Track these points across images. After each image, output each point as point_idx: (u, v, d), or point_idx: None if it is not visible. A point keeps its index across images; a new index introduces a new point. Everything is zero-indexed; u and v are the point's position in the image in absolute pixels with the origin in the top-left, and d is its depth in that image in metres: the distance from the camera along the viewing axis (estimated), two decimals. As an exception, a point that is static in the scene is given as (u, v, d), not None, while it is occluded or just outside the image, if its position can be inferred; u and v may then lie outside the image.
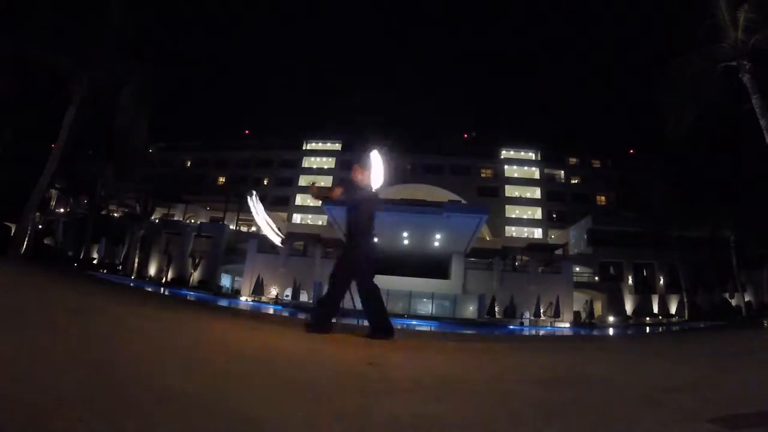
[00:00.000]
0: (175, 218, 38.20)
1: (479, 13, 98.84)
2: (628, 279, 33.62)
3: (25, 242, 17.02)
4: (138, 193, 33.42)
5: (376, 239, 4.37)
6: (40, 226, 31.98)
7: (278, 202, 49.55)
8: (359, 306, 4.31)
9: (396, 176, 47.97)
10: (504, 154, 51.03)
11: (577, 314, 28.94)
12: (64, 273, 10.89)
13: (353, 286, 4.30)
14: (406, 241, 27.60)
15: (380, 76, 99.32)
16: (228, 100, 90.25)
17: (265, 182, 51.45)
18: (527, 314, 27.21)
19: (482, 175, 49.38)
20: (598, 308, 31.67)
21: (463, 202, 34.14)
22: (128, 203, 33.94)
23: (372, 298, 4.14)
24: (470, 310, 27.99)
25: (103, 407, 1.06)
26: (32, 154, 20.56)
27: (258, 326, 4.51)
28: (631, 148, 50.94)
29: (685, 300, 29.13)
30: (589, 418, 1.43)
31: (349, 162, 50.22)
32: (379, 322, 4.10)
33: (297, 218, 49.33)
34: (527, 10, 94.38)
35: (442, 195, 40.30)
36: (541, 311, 26.46)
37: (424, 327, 14.28)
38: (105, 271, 27.39)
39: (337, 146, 52.50)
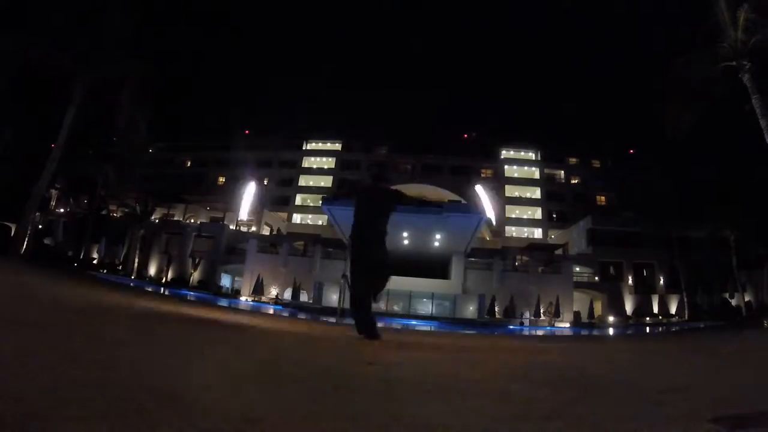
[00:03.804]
0: (175, 218, 38.16)
1: (479, 12, 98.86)
2: (628, 279, 33.62)
3: (25, 242, 17.02)
4: (138, 193, 33.40)
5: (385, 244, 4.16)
6: (40, 226, 31.98)
7: (278, 202, 49.55)
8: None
9: (396, 176, 48.11)
10: (504, 154, 51.04)
11: (577, 314, 28.93)
12: (64, 273, 10.90)
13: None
14: (406, 241, 27.59)
15: (380, 75, 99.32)
16: (228, 100, 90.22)
17: (265, 182, 51.44)
18: (527, 314, 27.22)
19: (482, 175, 49.40)
20: (598, 308, 31.67)
21: (463, 202, 34.13)
22: (128, 203, 33.92)
23: (364, 305, 4.00)
24: (470, 310, 27.99)
25: (103, 407, 1.06)
26: (32, 154, 20.56)
27: (258, 326, 4.51)
28: (631, 148, 50.99)
29: (685, 300, 29.13)
30: (589, 418, 1.43)
31: (348, 162, 50.28)
32: (363, 327, 4.01)
33: (297, 218, 49.33)
34: (527, 9, 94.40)
35: (442, 195, 40.30)
36: (541, 311, 26.46)
37: (424, 327, 14.28)
38: (105, 271, 27.39)
39: (337, 146, 52.50)
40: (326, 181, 50.41)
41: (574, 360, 3.63)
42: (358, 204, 4.26)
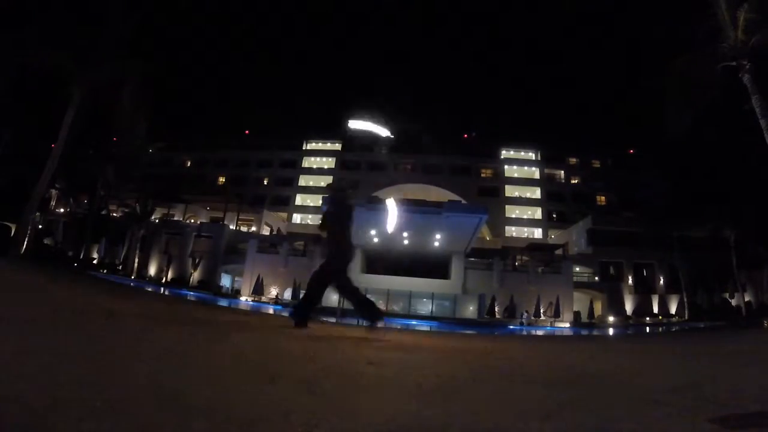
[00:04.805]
0: (175, 218, 38.15)
1: (479, 13, 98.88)
2: (628, 279, 33.61)
3: (25, 242, 17.02)
4: (138, 193, 33.39)
5: (350, 243, 4.85)
6: (40, 226, 31.98)
7: (278, 202, 49.53)
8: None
9: (396, 176, 48.11)
10: (504, 154, 51.00)
11: (577, 314, 28.92)
12: (64, 273, 10.89)
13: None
14: (406, 241, 27.59)
15: (381, 76, 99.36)
16: (228, 100, 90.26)
17: (265, 182, 51.42)
18: (527, 314, 27.22)
19: (482, 175, 49.37)
20: (598, 308, 31.67)
21: (463, 202, 34.10)
22: (128, 203, 33.90)
23: (346, 291, 4.55)
24: (470, 310, 27.96)
25: (103, 407, 1.06)
26: (32, 154, 20.57)
27: (258, 325, 4.51)
28: (631, 148, 50.95)
29: (685, 300, 29.12)
30: (589, 418, 1.43)
31: (348, 162, 50.25)
32: (364, 310, 4.54)
33: (297, 218, 49.31)
34: (527, 10, 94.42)
35: (442, 195, 40.29)
36: (541, 311, 26.45)
37: (424, 327, 14.27)
38: (105, 271, 27.37)
39: (337, 146, 52.46)
40: (326, 181, 50.33)
41: (574, 360, 3.63)
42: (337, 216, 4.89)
